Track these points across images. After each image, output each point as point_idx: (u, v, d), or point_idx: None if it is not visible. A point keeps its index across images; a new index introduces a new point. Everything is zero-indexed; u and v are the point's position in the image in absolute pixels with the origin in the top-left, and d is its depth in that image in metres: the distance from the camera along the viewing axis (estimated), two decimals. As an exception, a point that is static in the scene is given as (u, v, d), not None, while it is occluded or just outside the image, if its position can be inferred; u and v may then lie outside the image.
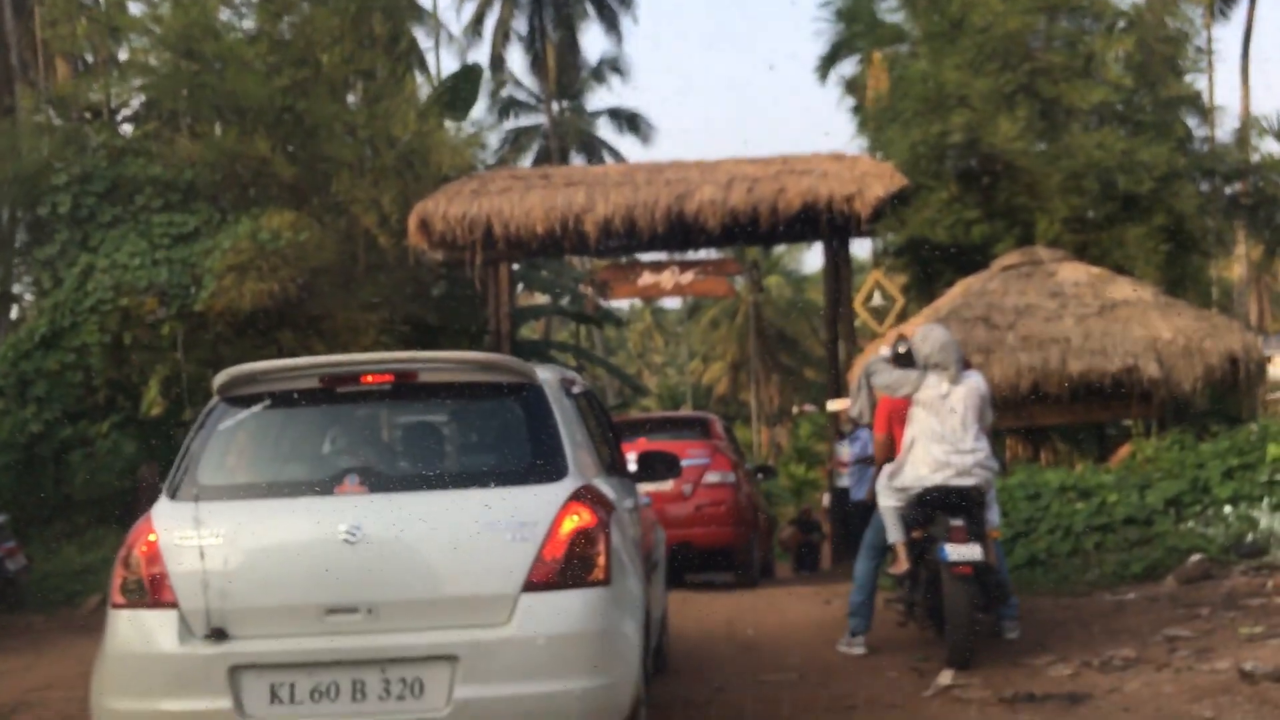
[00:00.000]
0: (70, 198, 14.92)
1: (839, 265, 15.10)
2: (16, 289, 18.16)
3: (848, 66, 23.83)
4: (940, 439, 6.69)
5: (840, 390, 14.39)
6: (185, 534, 4.21)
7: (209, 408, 4.63)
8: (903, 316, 14.45)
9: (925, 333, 6.98)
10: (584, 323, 28.28)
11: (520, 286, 22.64)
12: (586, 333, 38.92)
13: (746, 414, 44.49)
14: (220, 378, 4.56)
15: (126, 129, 17.23)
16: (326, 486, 4.38)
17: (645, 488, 6.52)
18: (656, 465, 6.13)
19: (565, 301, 25.98)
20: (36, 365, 14.12)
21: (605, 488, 4.69)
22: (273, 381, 4.57)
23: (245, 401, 4.55)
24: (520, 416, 4.55)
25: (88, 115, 17.02)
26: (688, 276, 15.09)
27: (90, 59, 19.71)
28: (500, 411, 4.61)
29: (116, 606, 4.31)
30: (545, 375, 4.76)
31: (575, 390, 5.21)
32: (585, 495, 4.36)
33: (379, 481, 4.41)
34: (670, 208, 14.03)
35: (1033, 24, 15.02)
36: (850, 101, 24.24)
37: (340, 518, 4.19)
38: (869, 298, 14.77)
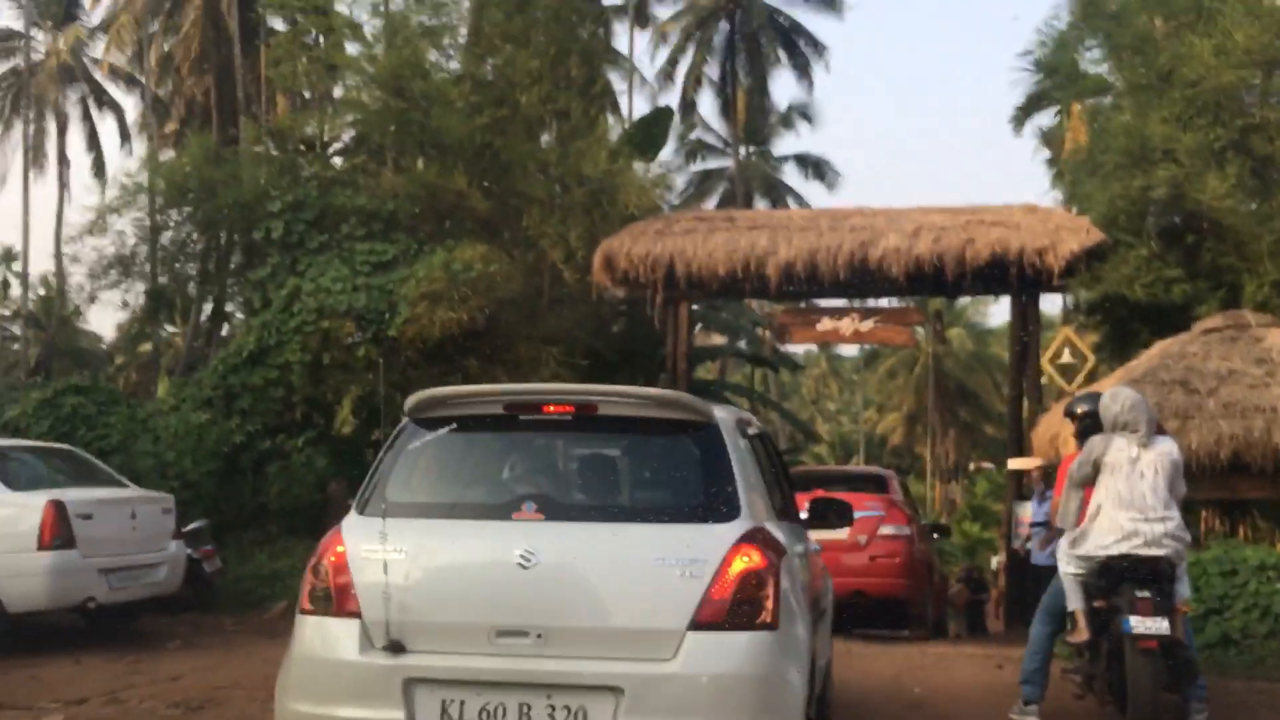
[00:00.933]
0: (283, 224, 15.81)
1: (1027, 320, 14.66)
2: (229, 307, 19.35)
3: (1045, 118, 23.29)
4: (1128, 505, 6.40)
5: (1022, 449, 13.93)
6: (371, 548, 4.37)
7: (399, 428, 4.82)
8: (1093, 376, 13.91)
9: (1114, 393, 6.73)
10: (760, 365, 28.19)
11: (699, 326, 22.79)
12: (762, 376, 38.80)
13: (921, 468, 43.48)
14: (411, 400, 4.75)
15: (337, 161, 18.23)
16: (504, 511, 4.51)
17: (820, 536, 6.45)
18: (829, 513, 6.04)
19: (742, 343, 26.02)
20: (243, 380, 14.93)
21: (776, 531, 4.68)
22: (460, 406, 4.73)
23: (433, 424, 4.71)
24: (695, 454, 4.59)
25: (302, 147, 18.09)
26: (868, 324, 14.90)
27: (308, 95, 20.96)
28: (676, 448, 4.65)
29: (304, 612, 4.50)
30: (722, 415, 4.79)
31: (750, 432, 5.22)
32: (756, 537, 4.36)
33: (555, 510, 4.51)
34: (853, 254, 13.90)
35: (1248, 79, 14.33)
36: (1045, 154, 23.65)
37: (516, 542, 4.30)
38: (1057, 355, 14.28)
